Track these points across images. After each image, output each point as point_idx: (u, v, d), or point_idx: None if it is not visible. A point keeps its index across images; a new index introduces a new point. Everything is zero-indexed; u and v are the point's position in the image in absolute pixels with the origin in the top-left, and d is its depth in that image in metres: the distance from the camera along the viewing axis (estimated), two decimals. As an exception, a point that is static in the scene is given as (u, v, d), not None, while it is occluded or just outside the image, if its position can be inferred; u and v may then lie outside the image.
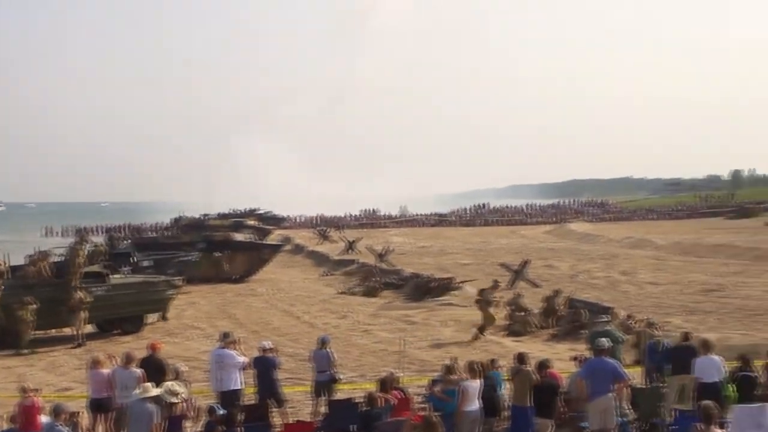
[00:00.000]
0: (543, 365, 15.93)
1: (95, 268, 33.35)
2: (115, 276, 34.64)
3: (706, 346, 16.59)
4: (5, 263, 31.61)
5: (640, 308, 33.59)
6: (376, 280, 45.77)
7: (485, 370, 15.86)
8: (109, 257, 40.33)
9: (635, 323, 26.23)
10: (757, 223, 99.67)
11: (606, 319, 23.35)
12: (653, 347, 19.50)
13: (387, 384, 16.41)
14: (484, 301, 30.37)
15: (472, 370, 15.37)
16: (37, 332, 29.86)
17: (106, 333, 32.48)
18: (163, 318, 35.03)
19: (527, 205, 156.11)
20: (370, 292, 43.10)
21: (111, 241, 55.23)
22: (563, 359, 22.36)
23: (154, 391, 14.29)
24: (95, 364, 16.95)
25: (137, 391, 14.39)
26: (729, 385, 16.32)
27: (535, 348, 26.59)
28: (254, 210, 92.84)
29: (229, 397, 16.50)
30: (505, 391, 16.55)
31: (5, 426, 14.49)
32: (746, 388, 16.25)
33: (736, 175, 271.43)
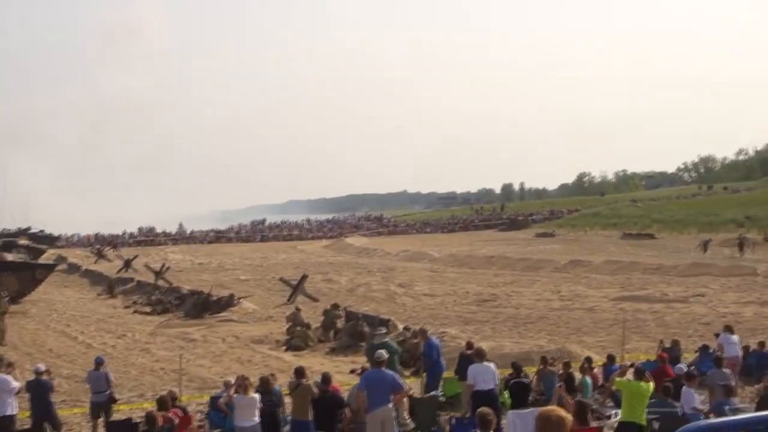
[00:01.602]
0: (323, 379, 16.07)
1: None
2: None
3: (480, 354, 17.08)
4: None
5: (417, 320, 34.29)
6: (163, 297, 45.18)
7: (266, 386, 15.88)
8: None
9: (412, 335, 26.74)
10: (527, 235, 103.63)
11: (384, 331, 23.69)
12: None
13: (166, 403, 16.19)
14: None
15: (260, 384, 15.42)
16: None
17: None
18: None
19: (305, 220, 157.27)
20: (165, 310, 42.31)
21: None
22: (343, 372, 22.64)
23: None
24: None
25: None
26: (504, 392, 16.95)
27: (315, 362, 26.81)
28: (26, 229, 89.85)
29: (3, 423, 15.95)
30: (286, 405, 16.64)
31: None
32: (519, 394, 16.89)
33: (506, 188, 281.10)
